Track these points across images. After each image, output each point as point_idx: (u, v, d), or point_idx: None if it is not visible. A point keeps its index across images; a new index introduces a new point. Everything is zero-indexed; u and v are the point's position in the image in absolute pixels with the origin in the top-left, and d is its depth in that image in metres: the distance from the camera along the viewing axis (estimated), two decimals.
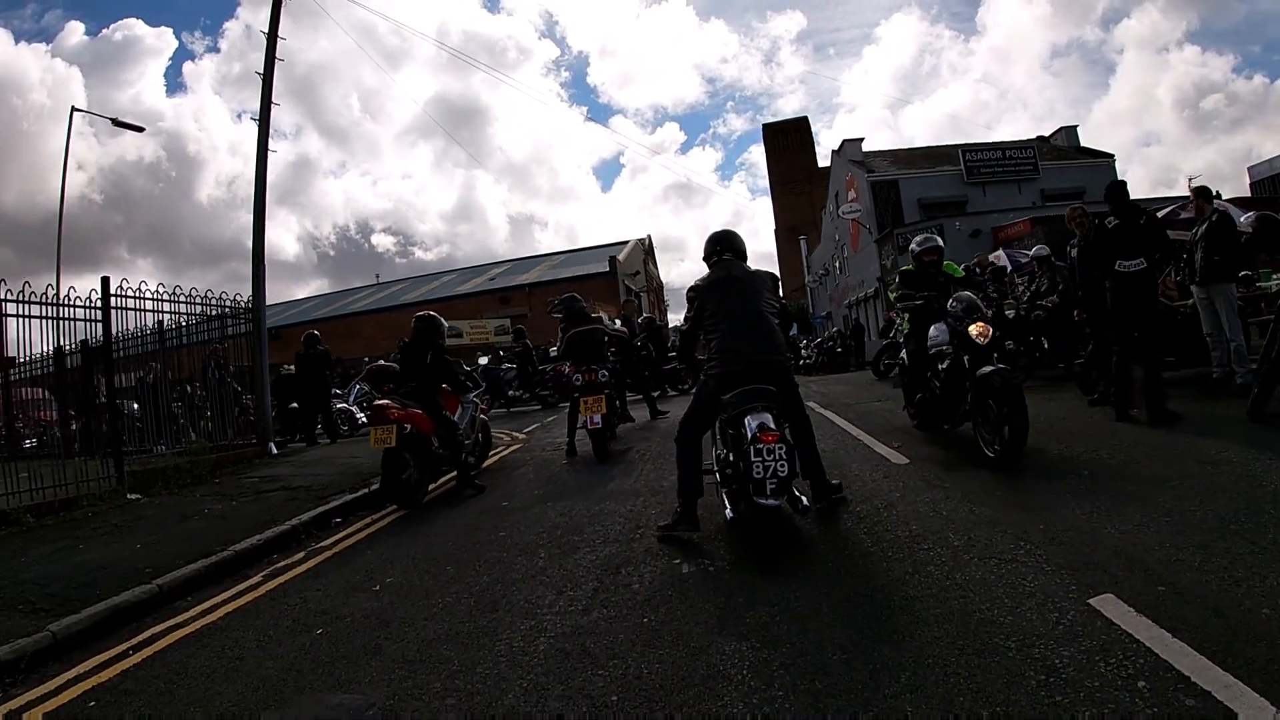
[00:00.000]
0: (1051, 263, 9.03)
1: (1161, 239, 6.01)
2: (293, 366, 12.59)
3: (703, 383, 4.16)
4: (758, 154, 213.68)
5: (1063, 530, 3.31)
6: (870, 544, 3.50)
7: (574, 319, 7.58)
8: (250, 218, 10.69)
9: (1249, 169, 15.59)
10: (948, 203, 25.71)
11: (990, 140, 28.12)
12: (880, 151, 31.25)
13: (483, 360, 15.44)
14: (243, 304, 9.64)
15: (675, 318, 39.69)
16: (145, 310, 7.82)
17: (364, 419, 12.56)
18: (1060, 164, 27.33)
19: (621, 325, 10.59)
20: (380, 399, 6.07)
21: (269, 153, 11.24)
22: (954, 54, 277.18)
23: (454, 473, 6.36)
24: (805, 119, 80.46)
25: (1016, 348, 8.52)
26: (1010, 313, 8.79)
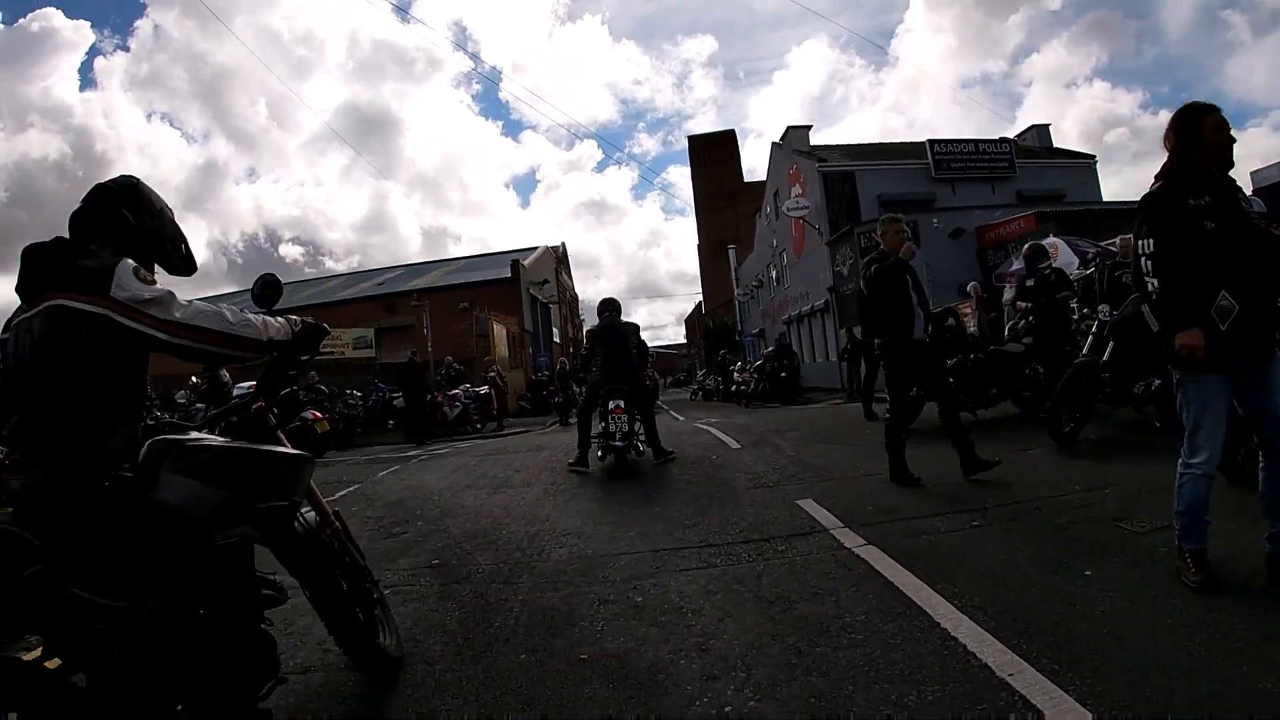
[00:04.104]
0: None
1: None
2: None
3: (591, 382, 7.33)
4: (675, 174, 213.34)
5: None
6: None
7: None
8: None
9: (1252, 174, 12.44)
10: (913, 200, 21.79)
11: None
12: (829, 145, 27.35)
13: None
14: None
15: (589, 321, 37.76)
16: None
17: None
18: (1037, 163, 24.00)
19: None
20: None
21: None
22: (864, 83, 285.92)
23: None
24: (732, 132, 76.56)
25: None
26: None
